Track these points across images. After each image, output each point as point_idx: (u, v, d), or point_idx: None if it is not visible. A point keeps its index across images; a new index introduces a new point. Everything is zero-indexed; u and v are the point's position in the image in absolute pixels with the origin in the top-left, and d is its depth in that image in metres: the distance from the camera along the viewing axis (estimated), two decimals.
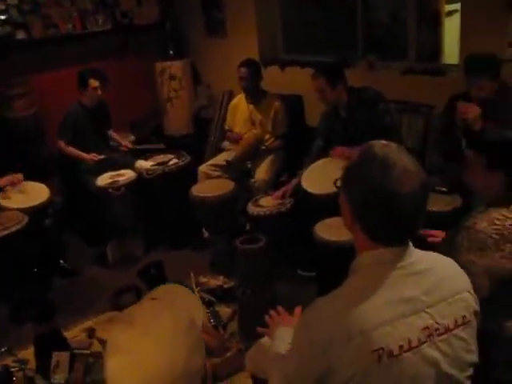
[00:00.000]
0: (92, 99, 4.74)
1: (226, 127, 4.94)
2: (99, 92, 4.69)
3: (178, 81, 5.76)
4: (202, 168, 4.65)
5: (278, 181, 4.46)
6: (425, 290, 1.38)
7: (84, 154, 4.70)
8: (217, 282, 2.90)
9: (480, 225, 1.95)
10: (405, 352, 1.31)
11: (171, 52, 5.88)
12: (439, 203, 3.27)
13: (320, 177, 3.77)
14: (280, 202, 3.95)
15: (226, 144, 5.16)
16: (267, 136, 4.65)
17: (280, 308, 1.93)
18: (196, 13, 5.93)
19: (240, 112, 4.77)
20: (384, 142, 1.42)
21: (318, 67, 3.96)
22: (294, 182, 4.05)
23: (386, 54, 4.72)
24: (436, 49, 4.74)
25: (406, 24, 4.55)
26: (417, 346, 1.33)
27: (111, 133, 5.15)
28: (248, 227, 4.32)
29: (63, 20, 5.33)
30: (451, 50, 4.52)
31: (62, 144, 4.73)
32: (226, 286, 2.89)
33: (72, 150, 4.71)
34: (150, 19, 5.92)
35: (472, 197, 2.83)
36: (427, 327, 1.35)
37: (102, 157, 4.73)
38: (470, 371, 1.44)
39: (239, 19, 5.55)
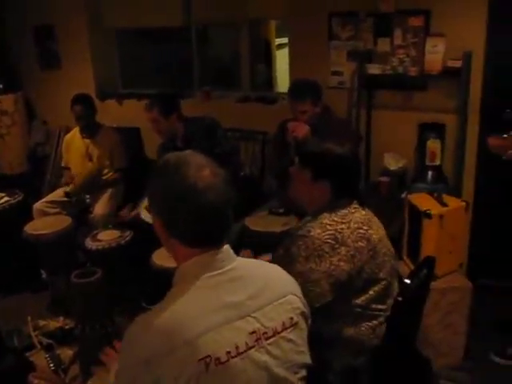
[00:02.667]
0: None
1: (63, 164, 4.71)
2: None
3: (9, 116, 5.44)
4: (38, 205, 4.37)
5: (117, 214, 4.30)
6: (250, 295, 1.36)
7: None
8: (56, 323, 2.71)
9: (314, 232, 1.99)
10: (233, 358, 1.27)
11: (1, 86, 5.52)
12: (276, 224, 3.32)
13: None
14: (119, 235, 3.80)
15: (63, 181, 4.92)
16: (105, 170, 4.49)
17: (116, 343, 1.82)
18: (28, 44, 5.64)
19: (75, 147, 4.57)
20: (180, 153, 1.43)
21: (152, 99, 3.91)
22: (134, 212, 3.96)
23: (222, 84, 4.82)
24: (269, 79, 4.94)
25: (239, 56, 4.68)
26: (245, 351, 1.29)
27: None
28: (89, 263, 4.11)
29: None
30: (285, 79, 4.72)
31: None
32: (66, 326, 2.72)
33: None
34: None
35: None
36: (254, 331, 1.32)
37: None
38: (303, 372, 1.43)
39: (74, 52, 5.38)
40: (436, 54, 3.56)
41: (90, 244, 3.78)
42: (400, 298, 1.98)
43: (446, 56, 3.54)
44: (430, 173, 3.63)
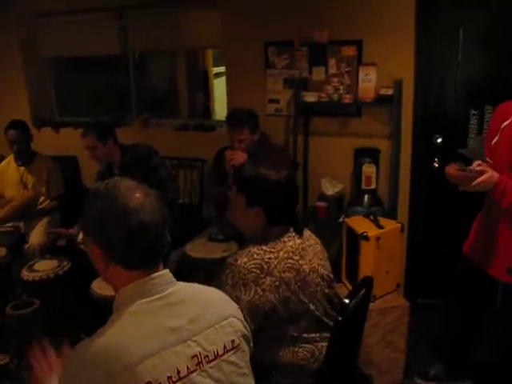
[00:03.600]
0: None
1: None
2: None
3: None
4: None
5: (54, 244, 4.19)
6: (190, 319, 1.35)
7: None
8: None
9: (241, 260, 1.96)
10: (174, 383, 1.26)
11: None
12: (217, 251, 3.32)
13: None
14: (57, 264, 3.70)
15: None
16: (42, 198, 4.38)
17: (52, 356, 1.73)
18: None
19: (9, 175, 4.45)
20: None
21: (88, 126, 3.87)
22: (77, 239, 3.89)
23: (160, 112, 4.82)
24: (207, 107, 4.99)
25: (177, 84, 4.71)
26: (186, 375, 1.29)
27: None
28: (25, 295, 3.97)
29: None
30: (222, 108, 4.77)
31: None
32: (1, 362, 2.58)
33: None
34: None
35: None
36: (196, 355, 1.32)
37: None
38: None
39: (8, 80, 5.25)
40: (369, 82, 3.69)
41: (26, 275, 3.65)
42: (340, 318, 1.99)
43: (379, 84, 3.67)
44: (366, 196, 3.73)
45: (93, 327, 3.59)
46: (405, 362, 3.16)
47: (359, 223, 3.15)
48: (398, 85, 3.59)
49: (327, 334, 2.07)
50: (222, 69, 5.02)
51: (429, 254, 3.83)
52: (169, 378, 1.26)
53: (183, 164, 4.43)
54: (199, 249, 3.40)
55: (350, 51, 3.79)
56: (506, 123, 2.46)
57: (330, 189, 3.86)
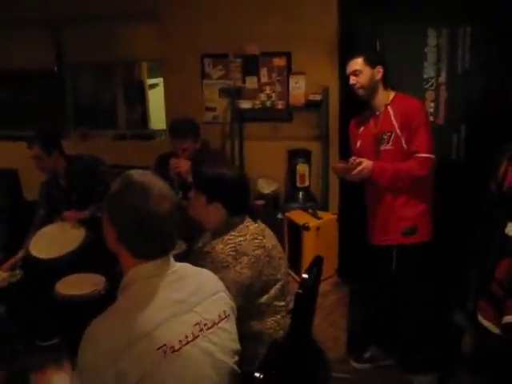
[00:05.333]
0: None
1: None
2: None
3: None
4: None
5: (2, 256, 4.21)
6: (190, 293, 1.59)
7: None
8: None
9: (218, 247, 2.24)
10: (184, 346, 1.49)
11: None
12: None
13: (48, 242, 3.73)
14: (8, 274, 3.74)
15: None
16: None
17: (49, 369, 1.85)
18: None
19: None
20: (141, 170, 1.60)
21: (34, 136, 3.95)
22: (21, 253, 3.92)
23: (97, 124, 4.96)
24: (144, 117, 5.18)
25: (114, 96, 4.88)
26: (192, 340, 1.52)
27: None
28: None
29: None
30: (158, 117, 4.99)
31: None
32: None
33: None
34: None
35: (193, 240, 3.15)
36: (198, 323, 1.56)
37: None
38: (237, 358, 1.68)
39: None
40: (299, 89, 4.07)
41: None
42: (300, 291, 2.30)
43: (308, 91, 4.06)
44: (300, 193, 4.09)
45: (50, 332, 3.66)
46: (346, 339, 3.51)
47: (299, 216, 3.50)
48: (325, 91, 3.98)
49: (290, 307, 2.38)
50: (156, 80, 5.25)
51: (358, 243, 4.22)
52: (180, 341, 1.49)
53: (124, 172, 4.59)
54: None
55: (280, 62, 4.16)
56: (361, 129, 3.04)
57: (267, 188, 4.19)
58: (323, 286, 3.38)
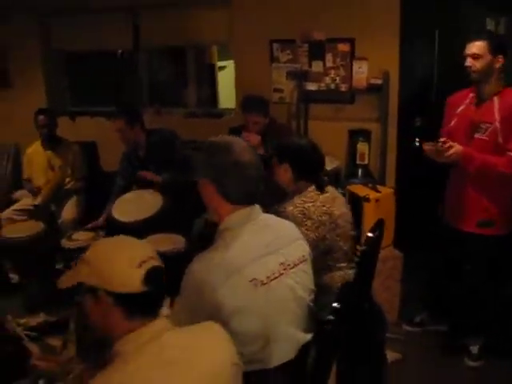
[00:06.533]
0: None
1: (25, 176, 4.98)
2: None
3: None
4: (5, 214, 4.63)
5: (83, 220, 4.64)
6: (276, 236, 1.91)
7: None
8: (38, 319, 2.81)
9: (288, 208, 2.61)
10: (271, 281, 1.80)
11: None
12: None
13: (129, 207, 4.13)
14: (93, 234, 4.14)
15: (18, 194, 5.18)
16: (67, 179, 4.84)
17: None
18: None
19: (37, 159, 4.85)
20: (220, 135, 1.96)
21: (118, 111, 4.34)
22: (103, 217, 4.34)
23: (169, 102, 5.37)
24: (213, 96, 5.57)
25: (186, 77, 5.27)
26: (277, 277, 1.83)
27: None
28: (61, 266, 4.43)
29: None
30: (226, 97, 5.35)
31: None
32: (50, 320, 2.80)
33: None
34: None
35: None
36: (282, 263, 1.86)
37: None
38: (312, 296, 1.99)
39: (26, 72, 5.71)
40: (361, 73, 4.37)
41: (66, 244, 4.08)
42: (365, 247, 2.63)
43: (370, 75, 4.35)
44: (360, 170, 4.41)
45: None
46: (399, 304, 3.83)
47: (360, 189, 3.81)
48: (386, 75, 4.27)
49: (353, 265, 2.71)
50: (224, 63, 5.60)
51: (413, 216, 4.49)
52: (267, 277, 1.80)
53: (195, 147, 4.96)
54: None
55: (344, 48, 4.46)
56: (459, 110, 3.13)
57: (329, 165, 4.50)
58: (382, 253, 3.68)
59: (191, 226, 4.12)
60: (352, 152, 4.44)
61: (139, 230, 3.61)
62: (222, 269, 1.74)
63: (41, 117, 4.73)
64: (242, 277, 1.74)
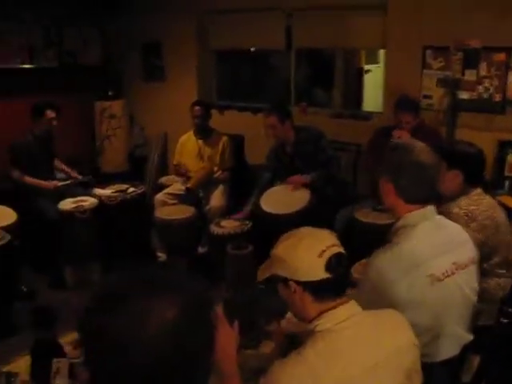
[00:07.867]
0: (44, 129, 4.87)
1: (175, 162, 5.36)
2: (54, 123, 4.84)
3: (117, 120, 6.16)
4: (159, 196, 5.02)
5: (230, 208, 4.94)
6: (449, 237, 2.02)
7: (44, 182, 4.82)
8: None
9: (453, 210, 2.68)
10: (445, 278, 1.92)
11: (110, 93, 6.26)
12: (382, 218, 3.96)
13: (276, 200, 4.36)
14: (240, 223, 4.40)
15: (164, 179, 5.60)
16: (215, 168, 5.15)
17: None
18: (135, 58, 6.46)
19: (189, 147, 5.21)
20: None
21: (271, 107, 4.57)
22: (248, 207, 4.62)
23: (314, 101, 5.56)
24: (358, 99, 5.71)
25: (334, 78, 5.44)
26: (450, 275, 1.94)
27: (57, 162, 5.30)
28: (205, 249, 4.76)
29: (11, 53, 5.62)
30: (368, 100, 5.46)
31: (16, 174, 4.80)
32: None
33: (30, 179, 4.81)
34: (93, 60, 6.35)
35: None
36: (455, 262, 1.97)
37: (61, 184, 4.92)
38: (476, 297, 2.09)
39: (179, 67, 6.16)
40: None
41: (215, 229, 4.36)
42: None
43: None
44: (507, 182, 4.36)
45: None
46: None
47: (510, 201, 3.80)
48: None
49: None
50: (369, 66, 5.70)
51: None
52: (443, 273, 1.92)
53: (339, 147, 5.12)
54: (368, 215, 4.10)
55: (500, 57, 4.41)
56: None
57: None
58: None
59: (333, 221, 4.29)
60: (500, 163, 4.39)
61: (286, 222, 3.74)
62: (402, 264, 1.87)
63: (196, 107, 5.08)
64: (420, 272, 1.87)
